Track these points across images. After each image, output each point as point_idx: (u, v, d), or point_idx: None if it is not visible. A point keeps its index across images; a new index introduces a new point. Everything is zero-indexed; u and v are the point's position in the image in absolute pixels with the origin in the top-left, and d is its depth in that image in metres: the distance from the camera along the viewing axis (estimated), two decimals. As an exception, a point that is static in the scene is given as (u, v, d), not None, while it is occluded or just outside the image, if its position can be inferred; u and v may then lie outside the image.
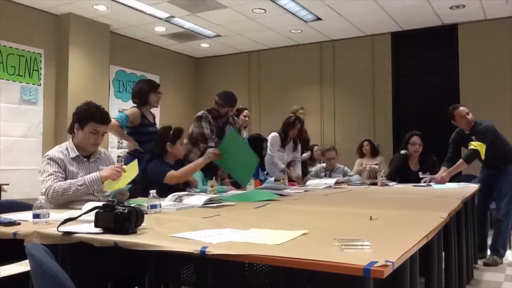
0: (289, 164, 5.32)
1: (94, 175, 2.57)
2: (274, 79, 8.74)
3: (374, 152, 7.09)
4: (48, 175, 2.54)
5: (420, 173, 4.68)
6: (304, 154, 5.96)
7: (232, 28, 7.56)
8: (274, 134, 5.21)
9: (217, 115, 4.34)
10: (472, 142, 4.28)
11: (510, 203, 4.31)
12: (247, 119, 5.86)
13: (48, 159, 2.61)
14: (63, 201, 2.49)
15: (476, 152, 4.25)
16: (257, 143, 4.68)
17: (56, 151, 2.66)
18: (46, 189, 2.48)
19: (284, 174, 4.51)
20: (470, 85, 7.16)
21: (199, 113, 4.35)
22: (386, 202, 3.01)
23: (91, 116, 2.68)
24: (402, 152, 4.84)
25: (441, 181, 4.37)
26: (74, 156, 2.68)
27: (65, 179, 2.59)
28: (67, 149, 2.70)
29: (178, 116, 8.62)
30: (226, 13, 6.76)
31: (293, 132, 5.20)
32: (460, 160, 4.37)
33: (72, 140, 2.75)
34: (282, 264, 1.28)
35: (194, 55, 9.39)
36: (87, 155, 2.76)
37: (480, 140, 4.25)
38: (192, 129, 4.31)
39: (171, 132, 3.39)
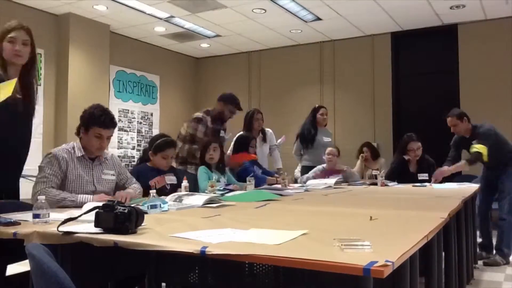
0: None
1: (89, 197, 2.54)
2: (274, 79, 8.74)
3: (375, 155, 6.92)
4: (42, 177, 2.54)
5: (418, 174, 4.71)
6: (279, 140, 5.60)
7: (232, 28, 7.56)
8: (239, 134, 4.93)
9: (217, 117, 4.35)
10: (474, 145, 4.26)
11: None
12: None
13: (51, 156, 2.61)
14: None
15: (479, 155, 4.23)
16: (244, 141, 4.60)
17: (61, 150, 2.68)
18: (38, 192, 2.46)
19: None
20: (470, 85, 7.16)
21: (199, 115, 4.33)
22: (386, 202, 3.01)
23: (95, 120, 2.71)
24: (404, 157, 4.88)
25: (439, 174, 4.38)
26: (79, 155, 2.70)
27: (63, 180, 2.59)
28: (73, 148, 2.72)
29: (177, 116, 8.62)
30: (226, 13, 6.75)
31: (258, 124, 5.05)
32: (463, 161, 4.35)
33: (80, 141, 2.77)
34: (282, 264, 1.28)
35: (194, 55, 9.39)
36: (93, 157, 2.77)
37: (482, 143, 4.23)
38: (184, 128, 4.33)
39: (157, 141, 3.38)
